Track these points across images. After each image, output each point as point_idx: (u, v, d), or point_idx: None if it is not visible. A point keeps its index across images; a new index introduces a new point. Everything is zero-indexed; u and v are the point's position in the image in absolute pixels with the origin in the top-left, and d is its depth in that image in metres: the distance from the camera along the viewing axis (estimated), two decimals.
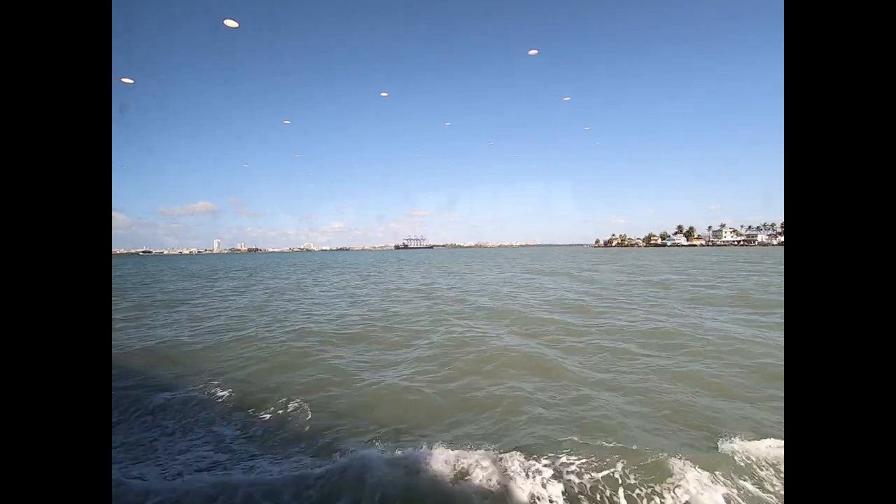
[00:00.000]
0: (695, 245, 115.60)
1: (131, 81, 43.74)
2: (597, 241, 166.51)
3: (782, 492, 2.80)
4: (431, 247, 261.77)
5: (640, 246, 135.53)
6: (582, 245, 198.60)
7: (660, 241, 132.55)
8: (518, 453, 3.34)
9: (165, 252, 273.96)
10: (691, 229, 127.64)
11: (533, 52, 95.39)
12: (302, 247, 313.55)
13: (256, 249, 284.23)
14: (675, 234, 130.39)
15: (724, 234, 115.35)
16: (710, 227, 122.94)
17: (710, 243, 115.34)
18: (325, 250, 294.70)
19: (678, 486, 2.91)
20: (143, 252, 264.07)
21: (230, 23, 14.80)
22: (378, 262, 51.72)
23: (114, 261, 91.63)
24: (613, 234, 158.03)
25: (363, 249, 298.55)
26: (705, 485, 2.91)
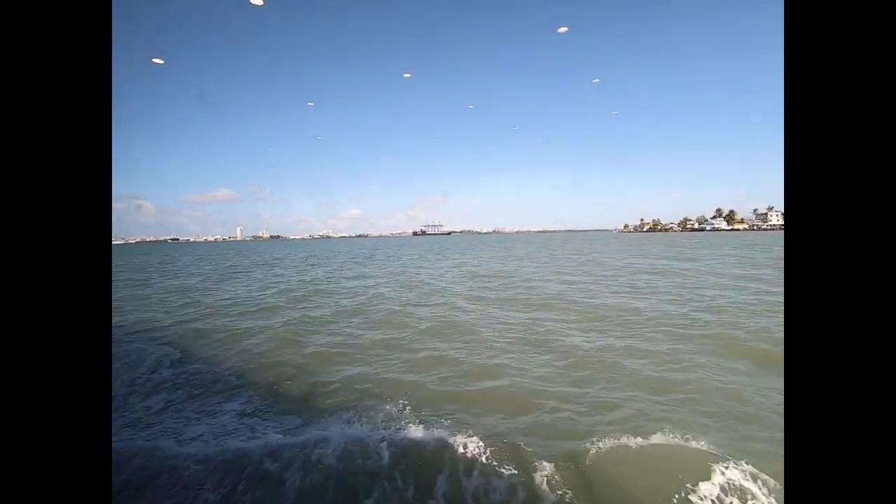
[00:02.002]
0: (738, 230, 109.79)
1: (161, 62, 42.57)
2: (625, 226, 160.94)
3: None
4: (449, 233, 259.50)
5: (675, 231, 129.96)
6: (609, 230, 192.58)
7: (697, 226, 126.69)
8: None
9: (192, 240, 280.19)
10: (732, 213, 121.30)
11: (562, 29, 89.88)
12: (321, 234, 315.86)
13: (278, 237, 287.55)
14: (714, 217, 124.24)
15: (770, 217, 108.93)
16: (755, 210, 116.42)
17: (755, 227, 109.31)
18: (345, 237, 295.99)
19: None
20: (172, 240, 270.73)
21: (255, 0, 14.73)
22: (442, 250, 49.47)
23: (155, 248, 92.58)
24: (643, 219, 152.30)
25: (381, 236, 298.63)
26: None
